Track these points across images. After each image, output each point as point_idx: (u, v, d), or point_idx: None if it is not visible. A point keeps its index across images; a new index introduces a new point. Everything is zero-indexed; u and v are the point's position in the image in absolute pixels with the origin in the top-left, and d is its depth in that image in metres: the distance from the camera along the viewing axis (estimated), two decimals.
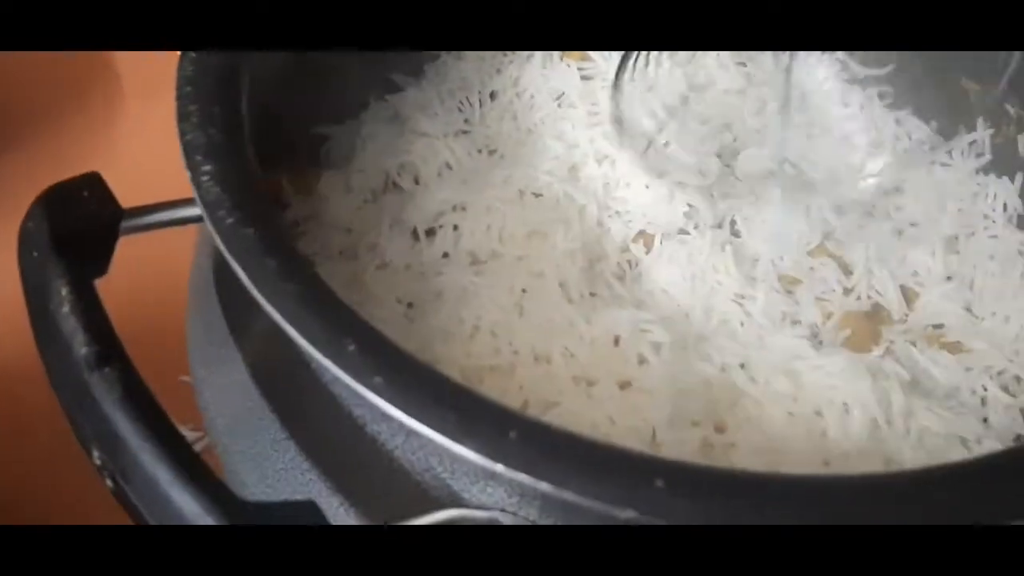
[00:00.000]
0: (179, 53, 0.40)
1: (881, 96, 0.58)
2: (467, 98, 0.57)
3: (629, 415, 0.43)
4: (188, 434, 0.55)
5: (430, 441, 0.28)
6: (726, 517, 0.26)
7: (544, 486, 0.26)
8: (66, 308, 0.30)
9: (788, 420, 0.44)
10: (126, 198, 0.40)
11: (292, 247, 0.32)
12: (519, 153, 0.55)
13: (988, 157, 0.56)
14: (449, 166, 0.54)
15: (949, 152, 0.57)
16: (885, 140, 0.57)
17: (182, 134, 0.34)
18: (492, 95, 0.57)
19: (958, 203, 0.55)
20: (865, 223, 0.54)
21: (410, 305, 0.49)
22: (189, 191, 0.35)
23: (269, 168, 0.52)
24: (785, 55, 0.56)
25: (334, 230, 0.52)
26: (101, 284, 0.37)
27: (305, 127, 0.55)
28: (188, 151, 0.33)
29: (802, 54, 0.59)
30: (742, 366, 0.45)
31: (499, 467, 0.27)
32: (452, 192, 0.52)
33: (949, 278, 0.51)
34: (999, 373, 0.48)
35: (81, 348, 0.29)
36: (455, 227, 0.51)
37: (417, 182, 0.53)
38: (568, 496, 0.26)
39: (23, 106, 0.77)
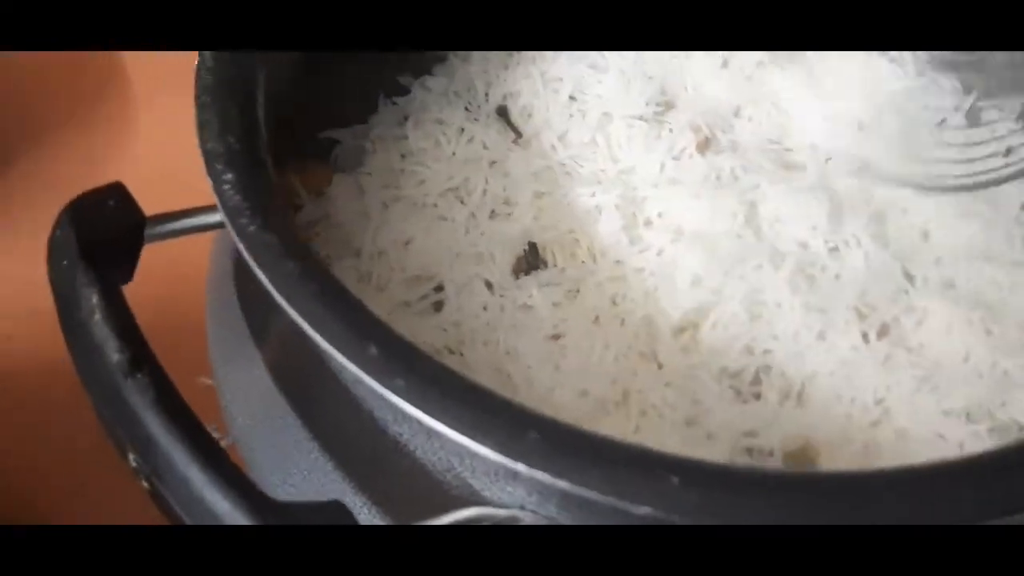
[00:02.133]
0: (191, 57, 0.41)
1: None
2: (473, 99, 0.58)
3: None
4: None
5: (451, 441, 0.29)
6: (739, 514, 0.27)
7: (563, 484, 0.27)
8: (98, 316, 0.31)
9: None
10: (142, 201, 0.41)
11: (311, 251, 0.33)
12: (528, 143, 0.57)
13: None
14: (454, 154, 0.55)
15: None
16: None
17: (202, 143, 0.35)
18: (501, 95, 0.58)
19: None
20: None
21: (424, 297, 0.50)
22: (202, 193, 0.36)
23: (282, 170, 0.53)
24: None
25: (345, 230, 0.53)
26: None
27: (315, 131, 0.56)
28: (209, 160, 0.34)
29: None
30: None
31: (520, 466, 0.28)
32: (455, 169, 0.54)
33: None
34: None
35: (114, 355, 0.30)
36: (461, 201, 0.53)
37: (423, 183, 0.54)
38: (586, 493, 0.27)
39: (34, 112, 0.78)
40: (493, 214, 0.53)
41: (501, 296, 0.50)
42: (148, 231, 0.36)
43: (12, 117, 0.79)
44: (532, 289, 0.50)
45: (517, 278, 0.51)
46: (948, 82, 0.59)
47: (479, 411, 0.29)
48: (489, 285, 0.51)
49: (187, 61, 0.48)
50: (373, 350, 0.30)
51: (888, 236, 0.54)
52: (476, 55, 0.60)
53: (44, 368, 0.63)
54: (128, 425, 0.30)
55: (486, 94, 0.58)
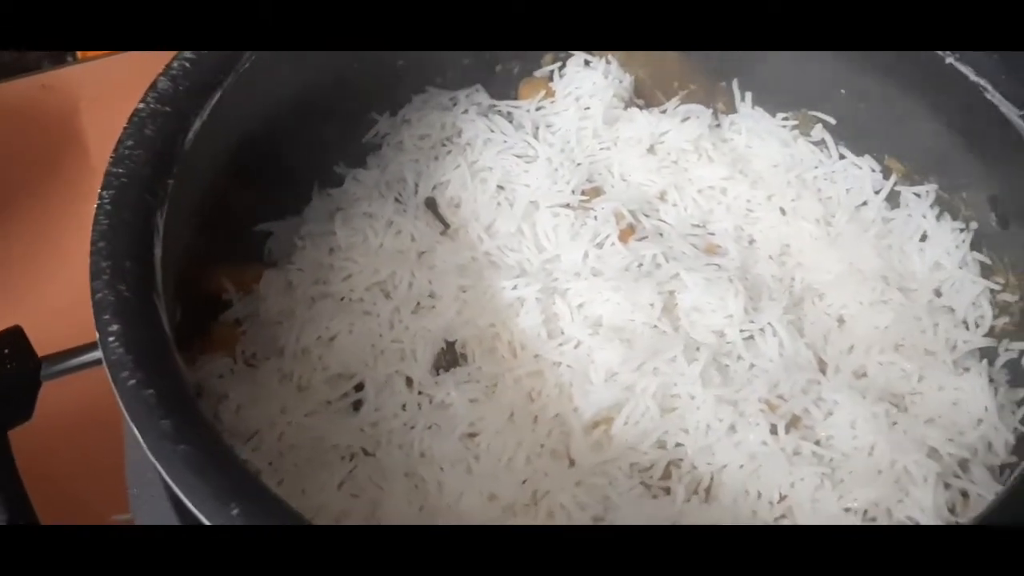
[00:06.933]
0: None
1: None
2: (403, 191, 0.60)
3: None
4: None
5: None
6: None
7: None
8: None
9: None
10: None
11: (193, 408, 0.34)
12: (456, 234, 0.58)
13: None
14: (382, 245, 0.57)
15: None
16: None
17: (93, 292, 0.36)
18: (430, 186, 0.60)
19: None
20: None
21: (344, 396, 0.52)
22: None
23: (212, 266, 0.55)
24: None
25: (272, 329, 0.54)
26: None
27: (249, 224, 0.58)
28: (97, 310, 0.36)
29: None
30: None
31: None
32: (382, 263, 0.56)
33: None
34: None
35: None
36: (387, 295, 0.55)
37: (349, 277, 0.56)
38: None
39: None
40: (418, 307, 0.55)
41: (420, 393, 0.52)
42: (45, 371, 0.38)
43: None
44: (450, 387, 0.51)
45: (438, 374, 0.53)
46: (867, 166, 0.60)
47: None
48: (409, 382, 0.52)
49: None
50: (235, 511, 0.32)
51: (804, 323, 0.56)
52: (410, 146, 0.61)
53: None
54: None
55: (416, 185, 0.60)
